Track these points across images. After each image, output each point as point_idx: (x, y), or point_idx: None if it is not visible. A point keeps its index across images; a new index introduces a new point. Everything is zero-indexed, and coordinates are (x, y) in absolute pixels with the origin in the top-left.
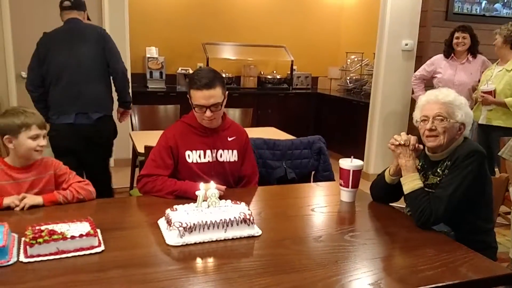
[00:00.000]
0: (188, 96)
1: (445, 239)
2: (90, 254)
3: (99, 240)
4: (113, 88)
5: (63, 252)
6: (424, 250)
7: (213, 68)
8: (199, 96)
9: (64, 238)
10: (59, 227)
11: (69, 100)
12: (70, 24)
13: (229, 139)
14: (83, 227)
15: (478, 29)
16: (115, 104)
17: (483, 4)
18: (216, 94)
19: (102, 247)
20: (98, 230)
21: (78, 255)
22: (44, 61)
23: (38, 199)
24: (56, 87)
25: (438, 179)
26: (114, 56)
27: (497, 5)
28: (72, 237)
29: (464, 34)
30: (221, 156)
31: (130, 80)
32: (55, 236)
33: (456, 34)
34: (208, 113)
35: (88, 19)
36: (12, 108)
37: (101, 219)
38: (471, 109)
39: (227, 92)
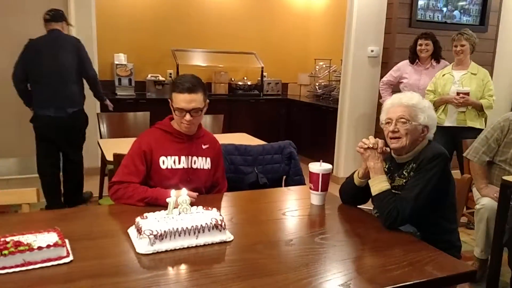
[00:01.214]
0: (169, 99)
1: (412, 239)
2: (58, 264)
3: (67, 250)
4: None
5: (30, 263)
6: (392, 250)
7: (197, 76)
8: (180, 100)
9: (31, 249)
10: (25, 238)
11: (50, 97)
12: (52, 35)
13: (204, 146)
14: (51, 237)
15: (440, 36)
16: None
17: (444, 12)
18: (198, 99)
19: (71, 257)
20: (66, 240)
21: (46, 266)
22: (30, 62)
23: None
24: (39, 86)
25: (404, 181)
26: (87, 65)
27: (456, 12)
28: (39, 248)
29: (427, 41)
30: (195, 163)
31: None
32: (21, 248)
33: (420, 41)
34: (187, 117)
35: (69, 25)
36: None
37: (70, 229)
38: None
39: (208, 101)
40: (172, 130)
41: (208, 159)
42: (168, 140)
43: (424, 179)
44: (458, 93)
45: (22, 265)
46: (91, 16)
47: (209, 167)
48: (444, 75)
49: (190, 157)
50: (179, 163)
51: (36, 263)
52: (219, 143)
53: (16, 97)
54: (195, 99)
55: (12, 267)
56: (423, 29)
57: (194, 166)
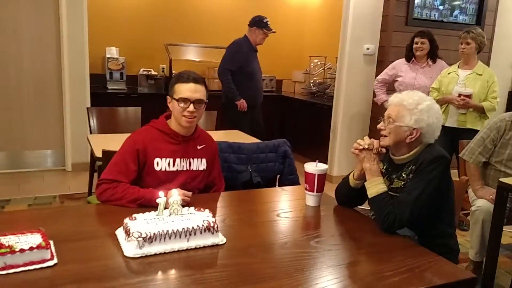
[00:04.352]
0: (168, 96)
1: (410, 244)
2: (42, 268)
3: (51, 252)
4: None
5: (11, 267)
6: (389, 255)
7: None
8: (186, 89)
9: (12, 251)
10: (7, 240)
11: None
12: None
13: (199, 147)
14: (34, 239)
15: (436, 34)
16: None
17: (441, 10)
18: (202, 91)
19: (55, 260)
20: (51, 242)
21: (28, 270)
22: None
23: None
24: None
25: (403, 183)
26: (220, 64)
27: (455, 12)
28: (22, 250)
29: (423, 40)
30: (190, 165)
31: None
32: (2, 250)
33: (416, 39)
34: (191, 107)
35: (268, 29)
36: None
37: (55, 230)
38: None
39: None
40: (168, 130)
41: (204, 160)
42: (164, 140)
43: (423, 182)
44: (459, 95)
45: (3, 268)
46: (83, 8)
47: (205, 168)
48: (449, 73)
49: (185, 159)
50: (174, 165)
51: (18, 266)
52: (215, 142)
53: None
54: (200, 90)
55: None
56: (420, 27)
57: (189, 168)
